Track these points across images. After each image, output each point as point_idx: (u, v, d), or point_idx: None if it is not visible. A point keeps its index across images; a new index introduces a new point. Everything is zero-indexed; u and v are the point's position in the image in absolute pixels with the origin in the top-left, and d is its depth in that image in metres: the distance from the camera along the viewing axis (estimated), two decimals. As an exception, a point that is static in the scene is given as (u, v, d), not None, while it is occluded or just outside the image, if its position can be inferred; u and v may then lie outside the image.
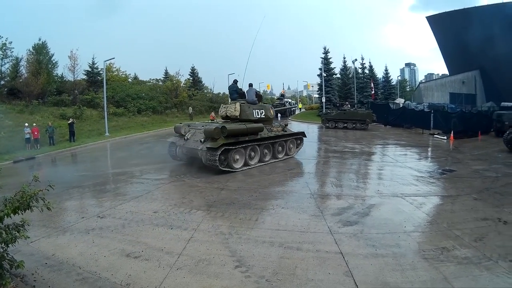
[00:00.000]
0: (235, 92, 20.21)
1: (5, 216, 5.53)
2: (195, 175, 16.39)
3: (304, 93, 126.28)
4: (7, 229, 5.72)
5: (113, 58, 39.86)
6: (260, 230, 9.29)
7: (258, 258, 7.70)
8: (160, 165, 19.30)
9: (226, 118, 19.43)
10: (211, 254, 7.90)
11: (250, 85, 20.80)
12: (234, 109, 18.88)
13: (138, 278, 6.97)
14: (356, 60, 63.43)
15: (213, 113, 50.34)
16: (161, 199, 12.42)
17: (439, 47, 72.74)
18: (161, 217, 10.51)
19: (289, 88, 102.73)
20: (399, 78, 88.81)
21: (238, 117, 18.80)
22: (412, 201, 12.01)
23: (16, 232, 5.79)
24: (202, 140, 16.54)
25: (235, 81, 20.77)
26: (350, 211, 10.84)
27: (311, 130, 39.19)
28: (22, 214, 5.84)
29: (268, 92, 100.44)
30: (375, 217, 10.35)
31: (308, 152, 22.79)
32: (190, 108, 53.73)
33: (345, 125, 38.66)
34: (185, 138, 17.61)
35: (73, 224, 10.06)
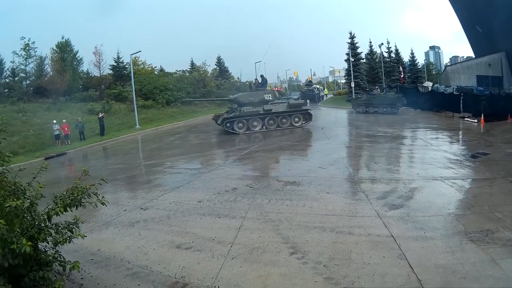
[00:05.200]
0: None
1: (55, 214, 5.13)
2: (233, 163, 16.33)
3: (330, 79, 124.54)
4: (57, 228, 5.33)
5: (140, 51, 39.89)
6: (309, 216, 9.16)
7: (312, 243, 7.59)
8: (195, 154, 19.24)
9: None
10: (264, 242, 7.77)
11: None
12: None
13: (192, 270, 6.78)
14: (382, 44, 62.10)
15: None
16: (203, 188, 12.22)
17: (464, 29, 69.95)
18: (206, 206, 10.32)
19: (314, 74, 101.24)
20: (426, 61, 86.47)
21: None
22: (452, 184, 11.78)
23: (68, 232, 5.38)
24: None
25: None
26: (393, 194, 10.76)
27: (341, 115, 39.56)
28: (72, 211, 5.44)
29: (294, 79, 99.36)
30: (418, 200, 10.25)
31: (342, 137, 23.13)
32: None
33: (376, 109, 37.62)
34: None
35: (115, 217, 9.82)
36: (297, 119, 27.53)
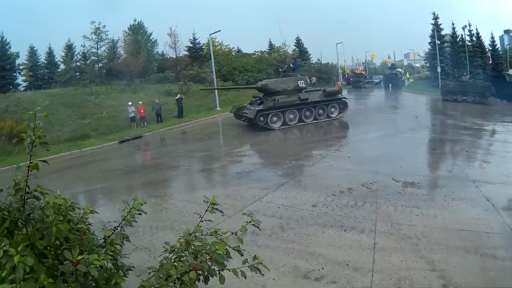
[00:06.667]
0: None
1: None
2: (335, 155, 14.74)
3: (405, 62, 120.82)
4: None
5: (219, 30, 38.11)
6: (446, 231, 7.84)
7: (461, 271, 6.32)
8: (289, 142, 18.42)
9: None
10: (408, 269, 6.34)
11: None
12: None
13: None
14: (466, 26, 58.81)
15: (339, 82, 50.21)
16: (313, 186, 10.65)
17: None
18: (324, 213, 8.70)
19: (389, 57, 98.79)
20: (508, 46, 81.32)
21: None
22: None
23: None
24: None
25: None
26: (516, 204, 9.58)
27: (430, 103, 38.07)
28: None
29: (370, 61, 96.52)
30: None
31: (440, 129, 22.06)
32: (313, 78, 51.05)
33: (464, 98, 35.37)
34: None
35: (213, 225, 7.89)
36: (333, 109, 24.65)
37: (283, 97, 22.74)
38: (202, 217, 2.91)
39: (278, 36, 70.44)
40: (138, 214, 2.77)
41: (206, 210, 2.87)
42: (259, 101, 23.37)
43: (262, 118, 21.82)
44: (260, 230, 3.11)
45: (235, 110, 24.11)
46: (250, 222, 2.79)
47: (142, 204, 2.79)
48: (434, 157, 14.78)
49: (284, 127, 22.39)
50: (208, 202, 2.93)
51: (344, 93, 34.02)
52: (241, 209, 8.90)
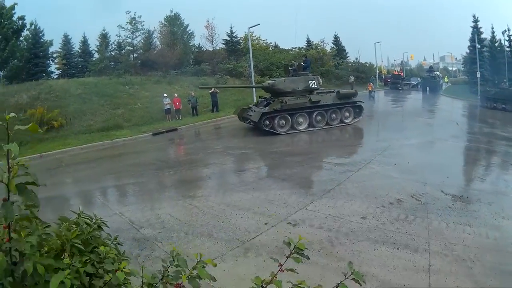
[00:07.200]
0: None
1: None
2: (380, 161, 14.03)
3: (441, 65, 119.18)
4: None
5: (258, 24, 37.26)
6: (499, 254, 7.30)
7: None
8: (330, 143, 17.99)
9: None
10: None
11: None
12: None
13: None
14: (505, 31, 56.93)
15: (371, 84, 47.78)
16: (360, 196, 10.00)
17: None
18: (374, 226, 8.11)
19: (424, 59, 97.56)
20: None
21: None
22: None
23: None
24: None
25: None
26: None
27: (468, 109, 37.02)
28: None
29: (405, 63, 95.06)
30: None
31: (482, 138, 20.60)
32: (351, 77, 50.46)
33: (504, 106, 33.45)
34: None
35: (255, 235, 7.54)
36: (347, 114, 22.76)
37: (292, 98, 21.17)
38: (282, 266, 2.17)
39: (313, 34, 69.27)
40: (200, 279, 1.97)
41: (288, 256, 2.18)
42: (266, 102, 22.02)
43: (267, 122, 20.31)
44: (361, 285, 2.42)
45: (239, 111, 22.69)
46: (351, 275, 2.23)
47: (205, 266, 2.00)
48: (478, 169, 14.28)
49: (292, 131, 20.72)
50: (291, 244, 2.20)
51: (381, 94, 33.05)
52: (285, 217, 8.40)
